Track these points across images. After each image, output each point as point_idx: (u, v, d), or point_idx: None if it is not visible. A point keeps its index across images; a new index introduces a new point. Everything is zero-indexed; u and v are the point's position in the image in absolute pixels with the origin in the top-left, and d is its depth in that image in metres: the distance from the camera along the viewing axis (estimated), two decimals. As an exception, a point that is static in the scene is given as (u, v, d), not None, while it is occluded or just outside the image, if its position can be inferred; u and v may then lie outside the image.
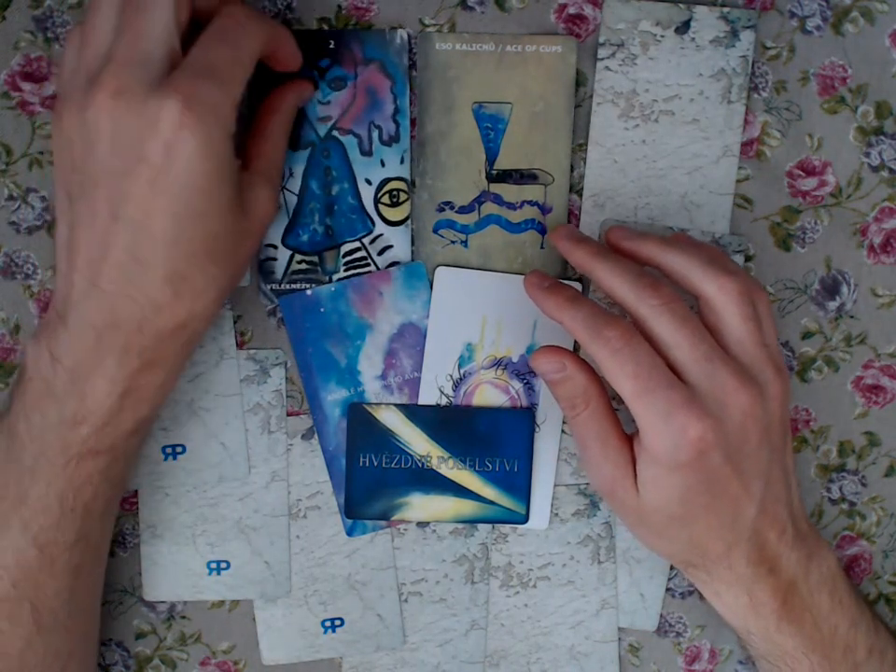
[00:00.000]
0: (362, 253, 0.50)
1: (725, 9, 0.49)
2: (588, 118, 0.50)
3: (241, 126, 0.43)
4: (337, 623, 0.53)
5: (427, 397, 0.51)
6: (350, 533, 0.52)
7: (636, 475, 0.43)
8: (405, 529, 0.52)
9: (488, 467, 0.51)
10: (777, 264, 0.51)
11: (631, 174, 0.50)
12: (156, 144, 0.38)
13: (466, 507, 0.51)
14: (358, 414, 0.51)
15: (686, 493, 0.42)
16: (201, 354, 0.50)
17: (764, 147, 0.50)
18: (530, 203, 0.50)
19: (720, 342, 0.43)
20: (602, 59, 0.49)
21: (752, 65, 0.49)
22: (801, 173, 0.51)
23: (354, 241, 0.50)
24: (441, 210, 0.50)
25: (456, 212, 0.50)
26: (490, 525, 0.52)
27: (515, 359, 0.51)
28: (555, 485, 0.52)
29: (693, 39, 0.49)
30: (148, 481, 0.51)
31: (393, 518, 0.52)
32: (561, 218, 0.50)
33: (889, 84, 0.50)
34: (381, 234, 0.50)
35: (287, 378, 0.51)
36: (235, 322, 0.51)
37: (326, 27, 0.49)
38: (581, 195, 0.50)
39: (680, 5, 0.49)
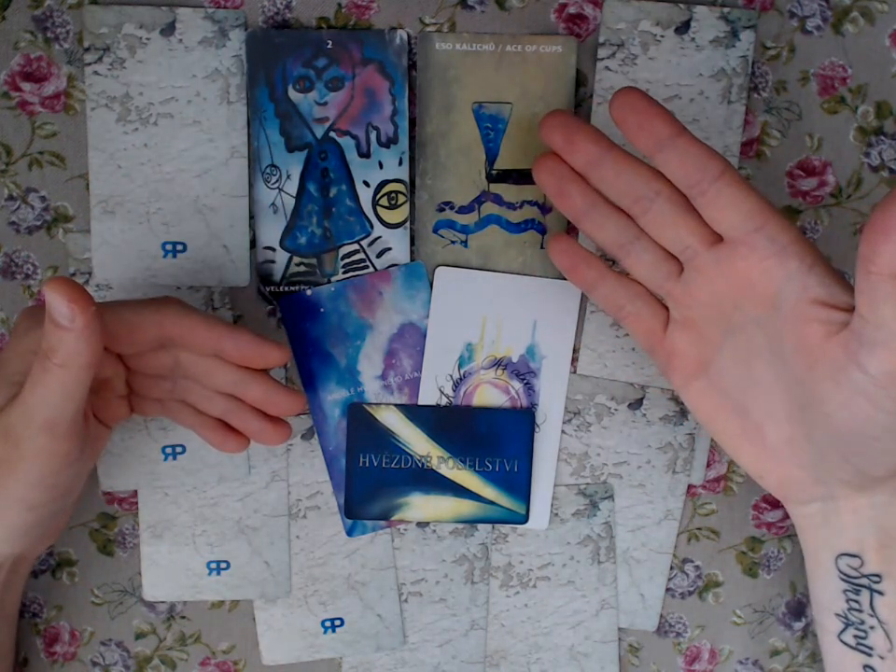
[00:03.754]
0: (361, 255, 0.50)
1: (725, 9, 0.48)
2: (588, 118, 0.50)
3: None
4: (337, 623, 0.53)
5: (427, 397, 0.51)
6: (350, 533, 0.52)
7: None
8: (405, 529, 0.52)
9: (488, 467, 0.51)
10: (778, 264, 0.51)
11: (631, 174, 0.50)
12: None
13: (466, 507, 0.51)
14: (358, 414, 0.51)
15: None
16: (200, 354, 0.50)
17: (764, 147, 0.50)
18: (530, 203, 0.50)
19: None
20: (602, 59, 0.49)
21: (752, 65, 0.49)
22: (801, 173, 0.51)
23: (352, 243, 0.50)
24: (441, 210, 0.50)
25: (456, 212, 0.50)
26: (490, 525, 0.52)
27: (515, 359, 0.51)
28: (555, 485, 0.52)
29: (693, 39, 0.49)
30: (148, 481, 0.51)
31: (393, 518, 0.52)
32: (561, 218, 0.50)
33: (889, 84, 0.50)
34: (379, 237, 0.50)
35: (286, 378, 0.51)
36: (235, 322, 0.51)
37: (325, 27, 0.49)
38: (580, 195, 0.50)
39: (680, 5, 0.48)
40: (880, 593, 0.43)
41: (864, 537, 0.43)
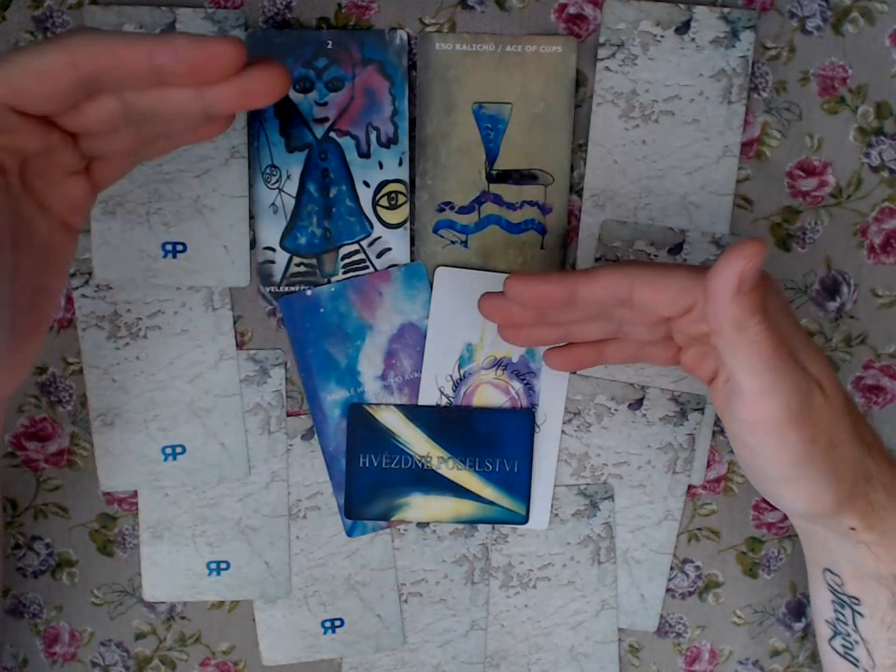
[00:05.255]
0: (361, 255, 0.50)
1: (725, 9, 0.48)
2: (588, 118, 0.50)
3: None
4: (337, 623, 0.53)
5: (427, 397, 0.51)
6: (350, 533, 0.52)
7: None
8: (405, 530, 0.52)
9: (488, 467, 0.51)
10: (777, 264, 0.51)
11: (631, 174, 0.50)
12: None
13: (466, 507, 0.51)
14: (358, 415, 0.51)
15: None
16: (200, 354, 0.50)
17: (764, 147, 0.50)
18: (530, 203, 0.50)
19: None
20: (602, 59, 0.49)
21: (752, 66, 0.49)
22: (801, 173, 0.51)
23: (352, 243, 0.50)
24: (441, 210, 0.50)
25: (456, 212, 0.50)
26: (490, 526, 0.52)
27: (515, 359, 0.51)
28: (555, 486, 0.52)
29: (693, 39, 0.49)
30: (148, 481, 0.51)
31: (393, 518, 0.52)
32: (561, 219, 0.50)
33: (889, 84, 0.50)
34: (379, 237, 0.50)
35: (286, 378, 0.51)
36: (235, 322, 0.51)
37: (325, 27, 0.49)
38: (581, 195, 0.50)
39: (680, 5, 0.48)
40: (860, 615, 0.44)
41: (841, 562, 0.44)
